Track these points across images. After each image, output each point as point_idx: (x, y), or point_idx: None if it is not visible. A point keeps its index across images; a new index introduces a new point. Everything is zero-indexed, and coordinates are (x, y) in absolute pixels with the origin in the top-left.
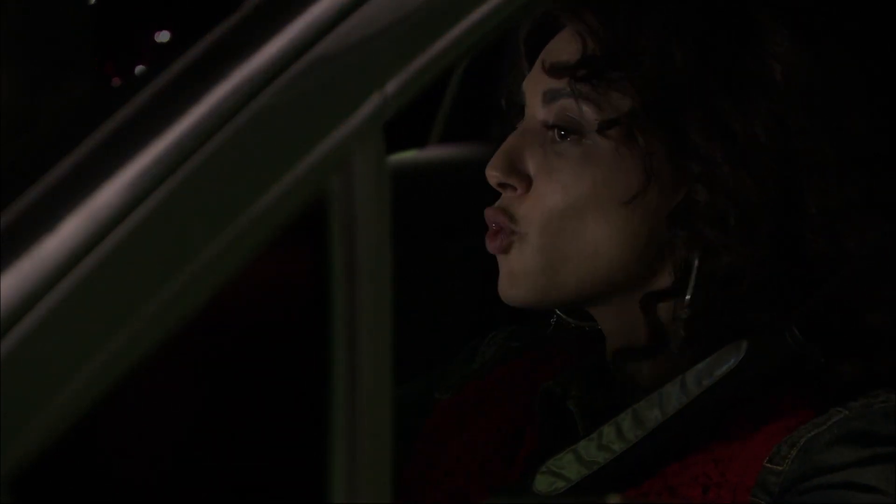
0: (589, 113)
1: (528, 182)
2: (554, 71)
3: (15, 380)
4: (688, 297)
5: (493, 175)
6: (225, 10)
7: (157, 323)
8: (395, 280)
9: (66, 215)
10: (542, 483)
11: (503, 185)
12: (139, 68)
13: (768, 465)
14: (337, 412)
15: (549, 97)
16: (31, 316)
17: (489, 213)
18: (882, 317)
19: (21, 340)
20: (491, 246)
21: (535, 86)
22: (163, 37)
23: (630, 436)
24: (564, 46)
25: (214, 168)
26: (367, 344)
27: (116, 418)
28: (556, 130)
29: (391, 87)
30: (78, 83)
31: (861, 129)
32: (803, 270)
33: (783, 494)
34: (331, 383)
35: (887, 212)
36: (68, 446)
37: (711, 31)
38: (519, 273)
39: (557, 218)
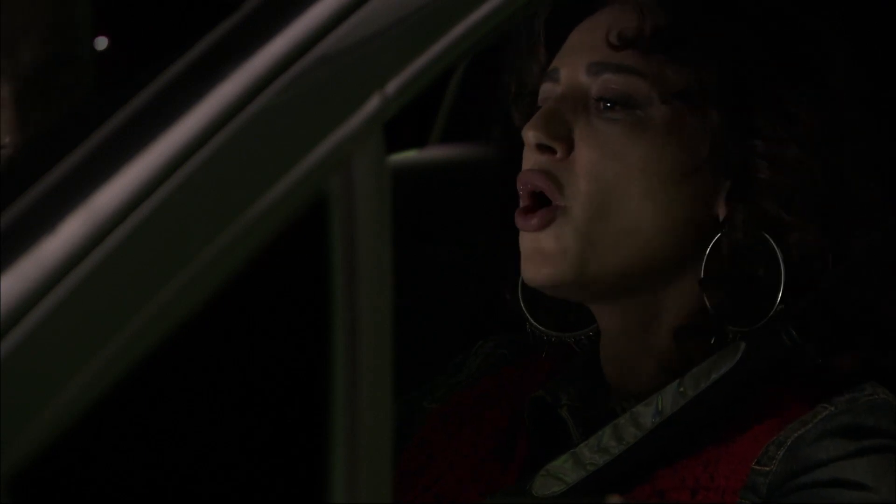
0: (647, 85)
1: (569, 146)
2: (622, 42)
3: (15, 380)
4: (782, 281)
5: (533, 135)
6: (166, 13)
7: (158, 323)
8: (395, 280)
9: (66, 215)
10: (540, 486)
11: (542, 147)
12: None
13: (756, 466)
14: (337, 412)
15: (596, 69)
16: (31, 316)
17: (527, 176)
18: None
19: (21, 340)
20: (526, 222)
21: (576, 60)
22: (100, 43)
23: (629, 438)
24: (618, 19)
25: (215, 168)
26: (367, 344)
27: (116, 418)
28: (601, 102)
29: (391, 87)
30: (78, 84)
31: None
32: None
33: (771, 494)
34: (331, 383)
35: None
36: (68, 446)
37: (772, 17)
38: (555, 251)
39: (604, 189)
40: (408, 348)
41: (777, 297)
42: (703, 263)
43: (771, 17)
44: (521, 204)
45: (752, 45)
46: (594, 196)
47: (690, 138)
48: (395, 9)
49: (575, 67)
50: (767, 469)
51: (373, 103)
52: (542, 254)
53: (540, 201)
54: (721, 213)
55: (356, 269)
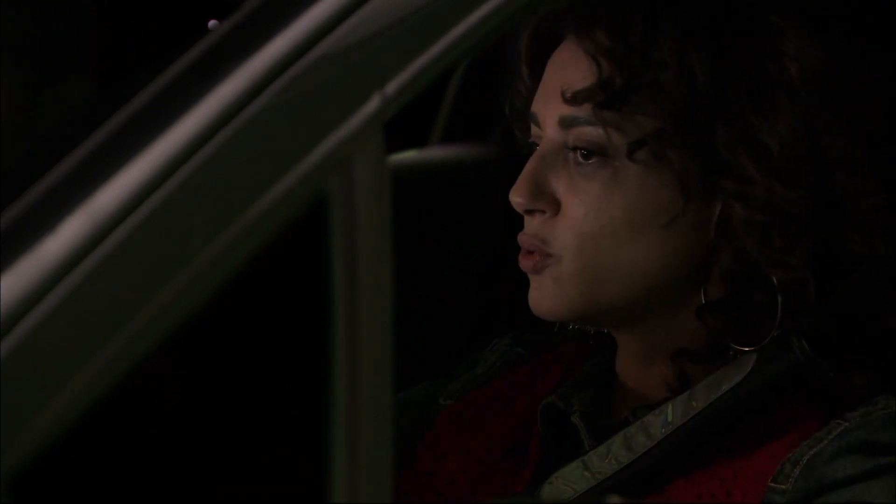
0: (613, 137)
1: (556, 205)
2: (575, 101)
3: (15, 380)
4: (779, 307)
5: (518, 202)
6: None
7: (158, 323)
8: (395, 280)
9: (66, 215)
10: (549, 494)
11: (530, 212)
12: None
13: (773, 484)
14: (337, 412)
15: (567, 123)
16: (31, 316)
17: (523, 240)
18: None
19: (21, 340)
20: (524, 265)
21: (548, 110)
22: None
23: (638, 447)
24: (577, 69)
25: (215, 169)
26: (367, 343)
27: (117, 418)
28: (578, 152)
29: (391, 87)
30: (78, 85)
31: (875, 120)
32: (834, 272)
33: None
34: (331, 383)
35: None
36: (68, 446)
37: (724, 36)
38: (553, 292)
39: (592, 241)
40: (408, 348)
41: (775, 321)
42: (703, 290)
43: (727, 38)
44: (521, 252)
45: (709, 80)
46: (582, 247)
47: (663, 185)
48: (395, 9)
49: (549, 119)
50: (784, 487)
51: (373, 103)
52: (542, 290)
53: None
54: (714, 237)
55: (356, 269)
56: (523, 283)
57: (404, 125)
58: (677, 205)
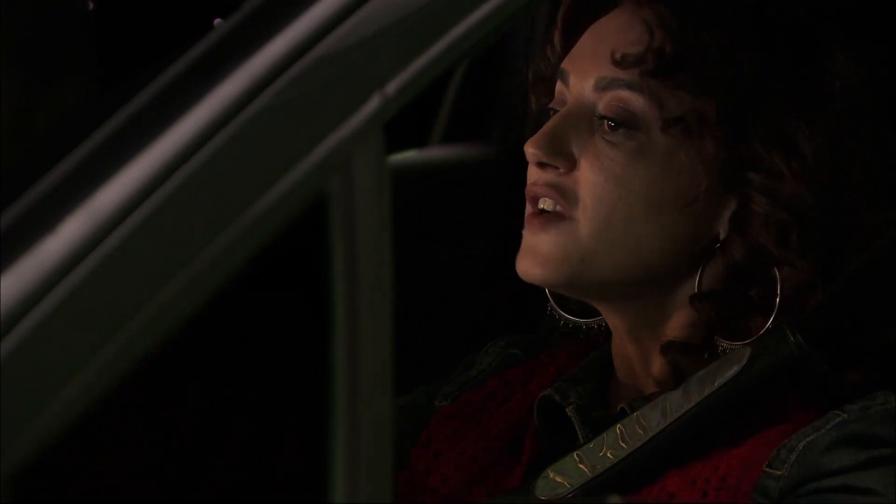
0: (651, 108)
1: (571, 163)
2: (623, 63)
3: (15, 380)
4: (776, 306)
5: (533, 153)
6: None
7: (158, 323)
8: (395, 280)
9: (66, 215)
10: (543, 488)
11: (543, 165)
12: None
13: (767, 469)
14: (337, 412)
15: (604, 85)
16: (31, 316)
17: (534, 189)
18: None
19: (21, 340)
20: (532, 225)
21: (585, 70)
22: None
23: (632, 440)
24: (629, 35)
25: (215, 168)
26: (367, 344)
27: (116, 418)
28: (605, 122)
29: (391, 87)
30: (77, 85)
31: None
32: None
33: (782, 499)
34: (331, 383)
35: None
36: (68, 446)
37: (777, 42)
38: (553, 255)
39: (608, 206)
40: (408, 348)
41: (767, 318)
42: (697, 279)
43: (778, 43)
44: (528, 212)
45: (756, 75)
46: (599, 214)
47: (689, 167)
48: (395, 9)
49: (583, 79)
50: (779, 473)
51: (373, 103)
52: (537, 254)
53: (543, 213)
54: (722, 231)
55: (356, 269)
56: (523, 283)
57: (404, 125)
58: (695, 191)
